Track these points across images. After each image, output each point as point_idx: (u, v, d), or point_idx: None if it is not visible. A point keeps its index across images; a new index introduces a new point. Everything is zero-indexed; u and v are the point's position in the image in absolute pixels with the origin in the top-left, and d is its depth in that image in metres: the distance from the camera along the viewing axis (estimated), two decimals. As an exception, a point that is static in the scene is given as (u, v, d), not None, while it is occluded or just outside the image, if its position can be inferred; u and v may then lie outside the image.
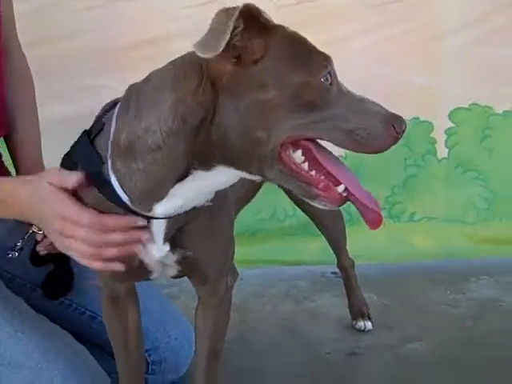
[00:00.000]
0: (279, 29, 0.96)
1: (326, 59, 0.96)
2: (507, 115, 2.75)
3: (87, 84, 2.51)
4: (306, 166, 0.96)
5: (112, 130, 1.04)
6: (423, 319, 2.17)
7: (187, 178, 0.99)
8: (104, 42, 2.50)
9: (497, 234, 2.76)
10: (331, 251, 2.79)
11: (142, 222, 1.07)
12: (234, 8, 0.90)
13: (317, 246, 2.70)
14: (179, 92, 0.96)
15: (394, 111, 0.96)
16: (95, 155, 1.06)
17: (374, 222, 0.98)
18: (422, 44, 2.62)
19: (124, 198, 1.04)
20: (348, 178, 0.98)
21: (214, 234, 1.19)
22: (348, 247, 2.70)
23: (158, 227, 1.09)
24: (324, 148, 0.98)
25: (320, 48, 0.99)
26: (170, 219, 1.08)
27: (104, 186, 1.04)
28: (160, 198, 1.02)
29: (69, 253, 1.12)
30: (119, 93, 2.47)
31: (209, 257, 1.20)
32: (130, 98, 1.03)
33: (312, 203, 0.97)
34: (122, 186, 1.03)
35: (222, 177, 1.01)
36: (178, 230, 1.12)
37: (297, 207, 2.79)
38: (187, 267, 1.20)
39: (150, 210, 1.04)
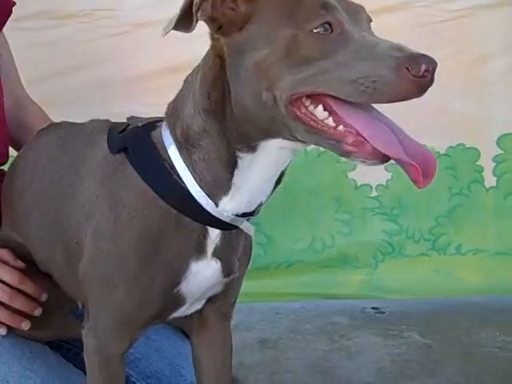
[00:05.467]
0: None
1: (323, 6, 0.85)
2: (562, 140, 2.58)
3: (117, 111, 2.44)
4: (330, 121, 0.86)
5: (165, 132, 0.99)
6: (468, 364, 2.01)
7: (240, 165, 0.94)
8: (132, 69, 2.45)
9: (552, 269, 2.57)
10: (373, 284, 2.70)
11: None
12: None
13: (357, 279, 2.63)
14: (201, 73, 0.95)
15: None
16: (159, 156, 0.98)
17: (415, 177, 0.81)
18: (465, 67, 2.49)
19: (198, 193, 0.95)
20: (373, 130, 0.85)
21: (250, 251, 1.12)
22: (390, 281, 2.59)
23: (213, 240, 1.00)
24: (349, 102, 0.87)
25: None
26: (227, 236, 1.01)
27: (171, 184, 0.97)
28: (226, 191, 0.96)
29: None
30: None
31: (242, 277, 1.13)
32: (176, 96, 1.02)
33: (348, 160, 0.87)
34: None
35: (272, 155, 0.94)
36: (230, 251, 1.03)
37: (335, 237, 2.72)
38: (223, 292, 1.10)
39: (217, 205, 0.96)
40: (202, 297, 1.09)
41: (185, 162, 0.96)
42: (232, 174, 0.95)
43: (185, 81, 1.00)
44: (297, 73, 0.85)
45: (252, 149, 0.93)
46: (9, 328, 1.25)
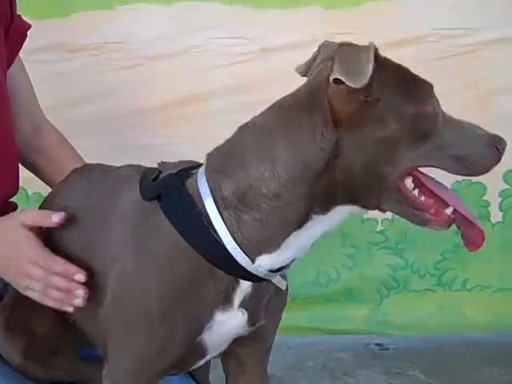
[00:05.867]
0: (387, 62, 0.98)
1: (430, 87, 0.98)
2: None
3: (128, 143, 2.48)
4: (416, 192, 0.98)
5: (203, 184, 0.99)
6: (473, 404, 1.99)
7: (306, 225, 0.97)
8: (142, 101, 2.47)
9: (558, 305, 2.56)
10: (378, 320, 2.68)
11: (82, 276, 1.08)
12: (357, 45, 0.94)
13: (362, 314, 2.61)
14: (295, 137, 0.95)
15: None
16: (194, 207, 0.99)
17: (476, 241, 1.00)
18: (474, 102, 2.49)
19: (234, 249, 0.97)
20: (454, 199, 1.01)
21: (282, 297, 1.12)
22: (394, 316, 2.58)
23: (243, 291, 1.01)
24: (425, 173, 1.01)
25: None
26: (258, 288, 1.02)
27: (206, 238, 0.97)
28: (273, 249, 0.98)
29: (26, 292, 1.15)
30: (161, 151, 2.45)
31: (276, 324, 1.14)
32: (224, 150, 1.01)
33: (423, 228, 0.99)
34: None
35: (336, 217, 0.99)
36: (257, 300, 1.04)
37: (341, 271, 2.71)
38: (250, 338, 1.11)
39: (253, 262, 0.98)
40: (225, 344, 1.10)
41: (223, 217, 0.97)
42: (289, 235, 0.97)
43: (239, 136, 1.00)
44: (418, 149, 0.94)
45: (326, 210, 0.97)
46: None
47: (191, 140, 2.43)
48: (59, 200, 1.25)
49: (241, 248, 0.97)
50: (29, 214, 1.17)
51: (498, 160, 0.98)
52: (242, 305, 1.03)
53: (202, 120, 2.48)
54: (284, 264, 1.01)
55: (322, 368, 2.25)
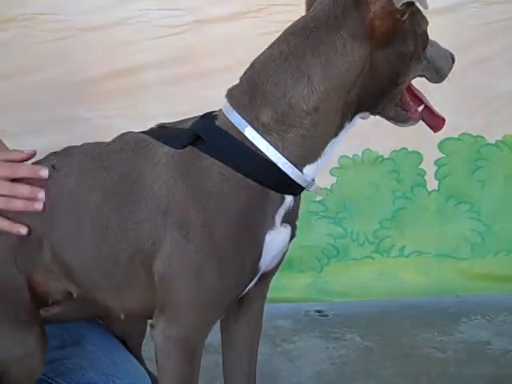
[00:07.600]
0: None
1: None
2: (500, 145, 2.65)
3: (61, 116, 2.44)
4: (406, 96, 1.14)
5: (237, 118, 1.07)
6: (406, 365, 2.04)
7: (340, 133, 1.09)
8: (75, 74, 2.43)
9: (491, 270, 2.64)
10: (318, 287, 2.73)
11: (44, 171, 1.17)
12: None
13: (302, 283, 2.65)
14: (326, 54, 1.04)
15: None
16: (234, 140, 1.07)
17: (439, 125, 1.21)
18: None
19: (284, 164, 1.06)
20: (426, 99, 1.20)
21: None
22: (335, 283, 2.62)
23: (286, 205, 1.11)
24: None
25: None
26: (295, 202, 1.13)
27: (258, 163, 1.06)
28: (315, 159, 1.09)
29: None
30: (94, 124, 2.41)
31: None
32: (247, 87, 1.08)
33: (401, 125, 1.16)
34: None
35: (355, 123, 1.11)
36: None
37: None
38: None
39: (302, 172, 1.09)
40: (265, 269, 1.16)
41: (266, 139, 1.05)
42: (327, 144, 1.08)
43: (260, 69, 1.07)
44: (420, 62, 1.11)
45: (352, 118, 1.10)
46: None
47: (124, 113, 2.41)
48: (64, 180, 1.20)
49: (290, 162, 1.06)
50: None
51: (451, 68, 1.20)
52: (285, 220, 1.12)
53: (135, 93, 2.45)
54: (321, 172, 1.12)
55: (263, 335, 2.25)
